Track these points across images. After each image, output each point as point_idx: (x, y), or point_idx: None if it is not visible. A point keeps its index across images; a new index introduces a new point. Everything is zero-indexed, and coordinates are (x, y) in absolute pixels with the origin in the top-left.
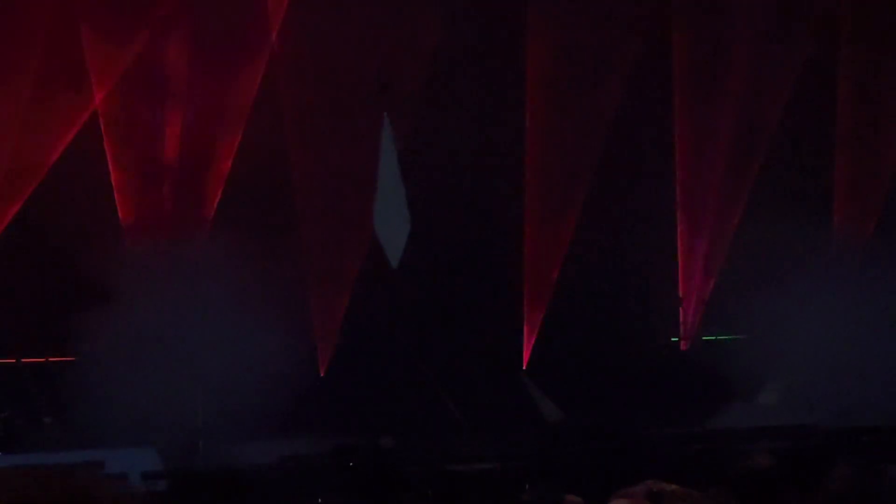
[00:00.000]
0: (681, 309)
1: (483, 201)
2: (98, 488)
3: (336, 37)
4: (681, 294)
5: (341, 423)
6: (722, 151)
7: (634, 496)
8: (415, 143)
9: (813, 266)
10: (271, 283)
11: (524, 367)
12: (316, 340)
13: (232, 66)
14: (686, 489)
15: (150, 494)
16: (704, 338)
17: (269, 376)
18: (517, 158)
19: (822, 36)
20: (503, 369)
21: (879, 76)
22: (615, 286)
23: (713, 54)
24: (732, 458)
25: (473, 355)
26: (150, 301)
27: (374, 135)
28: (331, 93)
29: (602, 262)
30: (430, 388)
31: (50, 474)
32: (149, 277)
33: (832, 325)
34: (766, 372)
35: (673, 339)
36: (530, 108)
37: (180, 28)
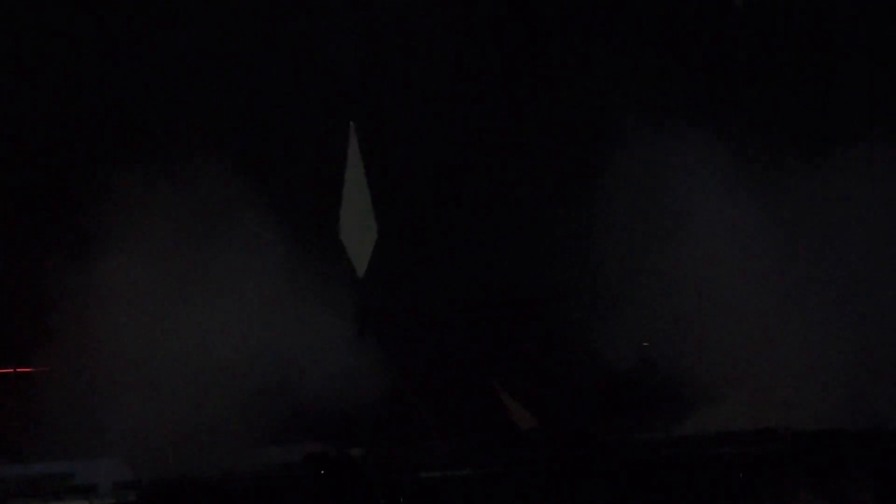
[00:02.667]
0: None
1: (451, 208)
2: None
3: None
4: None
5: (312, 431)
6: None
7: None
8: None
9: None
10: (240, 293)
11: (496, 374)
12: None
13: None
14: None
15: None
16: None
17: (238, 386)
18: (488, 165)
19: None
20: (475, 376)
21: None
22: (585, 293)
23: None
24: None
25: (445, 362)
26: (117, 310)
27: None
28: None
29: (573, 268)
30: (402, 395)
31: None
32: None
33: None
34: (734, 376)
35: (644, 344)
36: (501, 114)
37: None
